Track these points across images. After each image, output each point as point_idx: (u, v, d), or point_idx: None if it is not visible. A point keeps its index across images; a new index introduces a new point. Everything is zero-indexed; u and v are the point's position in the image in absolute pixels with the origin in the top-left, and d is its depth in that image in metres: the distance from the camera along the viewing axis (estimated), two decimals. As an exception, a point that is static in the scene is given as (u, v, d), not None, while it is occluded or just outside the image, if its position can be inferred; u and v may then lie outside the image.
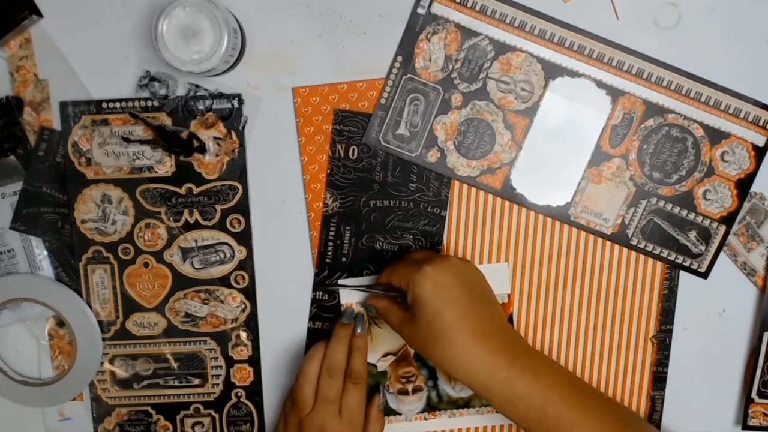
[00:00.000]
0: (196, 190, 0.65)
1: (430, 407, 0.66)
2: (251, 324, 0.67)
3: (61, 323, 0.67)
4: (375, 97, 0.64)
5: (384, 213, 0.65)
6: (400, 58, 0.63)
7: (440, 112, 0.63)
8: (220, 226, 0.66)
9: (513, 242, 0.65)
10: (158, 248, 0.66)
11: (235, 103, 0.64)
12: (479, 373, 0.54)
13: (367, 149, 0.64)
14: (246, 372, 0.67)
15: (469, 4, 0.62)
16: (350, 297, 0.65)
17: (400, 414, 0.66)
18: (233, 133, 0.64)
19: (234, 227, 0.66)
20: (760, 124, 0.62)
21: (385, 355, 0.66)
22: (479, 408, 0.66)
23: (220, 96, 0.64)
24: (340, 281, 0.65)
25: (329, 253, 0.65)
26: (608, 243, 0.65)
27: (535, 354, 0.57)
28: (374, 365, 0.66)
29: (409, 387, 0.66)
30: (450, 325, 0.54)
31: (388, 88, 0.63)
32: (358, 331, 0.63)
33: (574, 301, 0.66)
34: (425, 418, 0.66)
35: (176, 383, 0.68)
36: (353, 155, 0.65)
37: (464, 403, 0.66)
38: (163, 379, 0.68)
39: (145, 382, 0.68)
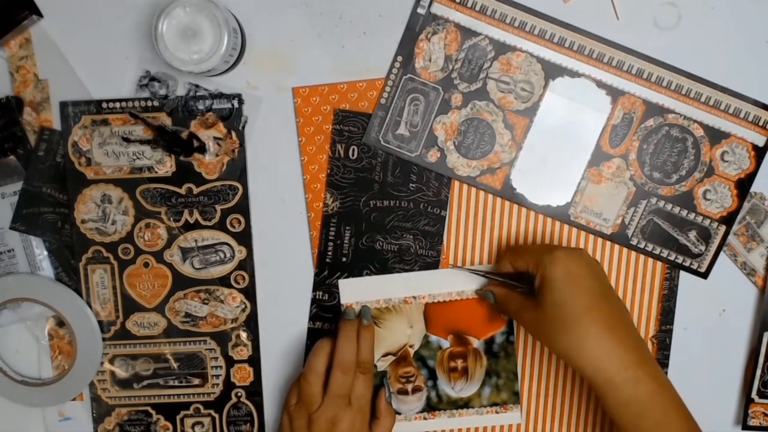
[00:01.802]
0: (196, 190, 0.65)
1: (430, 407, 0.66)
2: (251, 324, 0.67)
3: (61, 323, 0.67)
4: (375, 97, 0.64)
5: (384, 213, 0.65)
6: (400, 58, 0.63)
7: (440, 112, 0.63)
8: (220, 226, 0.66)
9: (513, 242, 0.65)
10: (158, 248, 0.66)
11: (235, 103, 0.64)
12: (607, 365, 0.52)
13: (367, 149, 0.64)
14: (246, 372, 0.67)
15: (469, 4, 0.62)
16: (351, 297, 0.65)
17: (399, 414, 0.66)
18: (233, 133, 0.64)
19: (234, 227, 0.66)
20: (760, 124, 0.62)
21: (385, 355, 0.66)
22: (479, 408, 0.66)
23: (220, 96, 0.64)
24: (459, 266, 0.64)
25: (329, 253, 0.65)
26: (608, 243, 0.65)
27: (657, 363, 0.55)
28: (374, 365, 0.66)
29: (409, 387, 0.66)
30: (579, 314, 0.53)
31: (388, 88, 0.63)
32: (365, 322, 0.63)
33: (574, 301, 0.65)
34: (425, 418, 0.66)
35: (176, 383, 0.68)
36: (353, 155, 0.65)
37: (464, 404, 0.66)
38: (163, 379, 0.68)
39: (145, 382, 0.68)
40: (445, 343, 0.65)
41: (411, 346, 0.65)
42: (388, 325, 0.65)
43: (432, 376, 0.66)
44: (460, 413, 0.66)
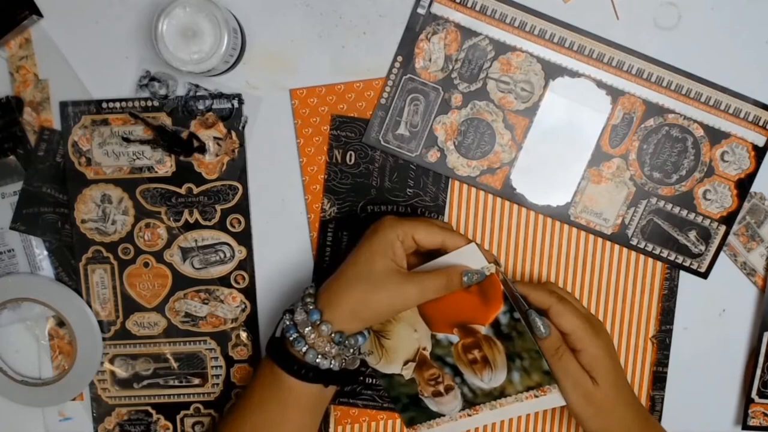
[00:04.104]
0: (196, 190, 0.65)
1: (468, 403, 0.64)
2: (251, 324, 0.67)
3: (61, 323, 0.67)
4: (372, 98, 0.64)
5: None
6: (400, 58, 0.63)
7: (440, 112, 0.63)
8: (220, 226, 0.66)
9: (513, 242, 0.65)
10: (158, 248, 0.66)
11: (235, 103, 0.64)
12: None
13: (365, 154, 0.64)
14: (246, 372, 0.67)
15: (469, 4, 0.62)
16: None
17: (444, 415, 0.65)
18: (233, 133, 0.64)
19: (234, 227, 0.66)
20: (760, 124, 0.62)
21: (406, 363, 0.64)
22: (516, 395, 0.63)
23: (220, 96, 0.64)
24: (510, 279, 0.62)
25: (326, 259, 0.65)
26: (608, 243, 0.65)
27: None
28: (401, 375, 0.64)
29: (441, 387, 0.64)
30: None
31: (388, 88, 0.63)
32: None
33: (574, 301, 0.65)
34: (469, 415, 0.64)
35: (176, 383, 0.68)
36: (350, 160, 0.64)
37: (499, 393, 0.63)
38: (163, 379, 0.68)
39: (145, 382, 0.68)
40: (454, 338, 0.63)
41: (424, 349, 0.64)
42: (395, 335, 0.64)
43: (456, 372, 0.63)
44: (500, 403, 0.63)
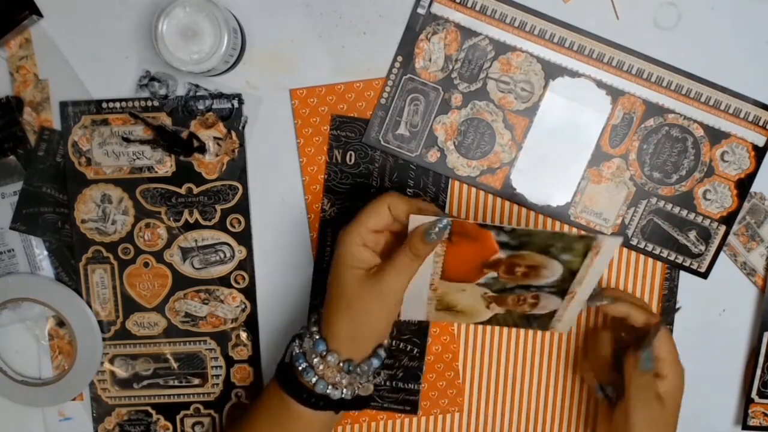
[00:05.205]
0: (196, 190, 0.65)
1: (561, 293, 0.57)
2: (251, 324, 0.67)
3: (61, 323, 0.67)
4: (372, 98, 0.64)
5: (383, 214, 0.65)
6: (400, 58, 0.63)
7: (440, 112, 0.63)
8: (220, 226, 0.66)
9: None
10: (158, 248, 0.66)
11: (235, 103, 0.64)
12: None
13: (365, 154, 0.64)
14: (246, 372, 0.67)
15: (469, 4, 0.62)
16: None
17: (557, 310, 0.59)
18: (233, 133, 0.64)
19: (234, 227, 0.66)
20: (760, 124, 0.62)
21: (488, 306, 0.59)
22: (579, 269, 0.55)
23: (220, 96, 0.64)
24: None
25: (326, 259, 0.65)
26: (608, 243, 0.65)
27: None
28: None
29: (529, 303, 0.58)
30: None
31: (388, 88, 0.63)
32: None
33: (574, 301, 0.65)
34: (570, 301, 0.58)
35: (176, 383, 0.68)
36: (350, 160, 0.64)
37: (569, 276, 0.56)
38: (163, 379, 0.68)
39: (145, 382, 0.68)
40: (492, 273, 0.56)
41: (485, 293, 0.57)
42: (456, 300, 0.59)
43: (527, 288, 0.57)
44: (578, 282, 0.56)
